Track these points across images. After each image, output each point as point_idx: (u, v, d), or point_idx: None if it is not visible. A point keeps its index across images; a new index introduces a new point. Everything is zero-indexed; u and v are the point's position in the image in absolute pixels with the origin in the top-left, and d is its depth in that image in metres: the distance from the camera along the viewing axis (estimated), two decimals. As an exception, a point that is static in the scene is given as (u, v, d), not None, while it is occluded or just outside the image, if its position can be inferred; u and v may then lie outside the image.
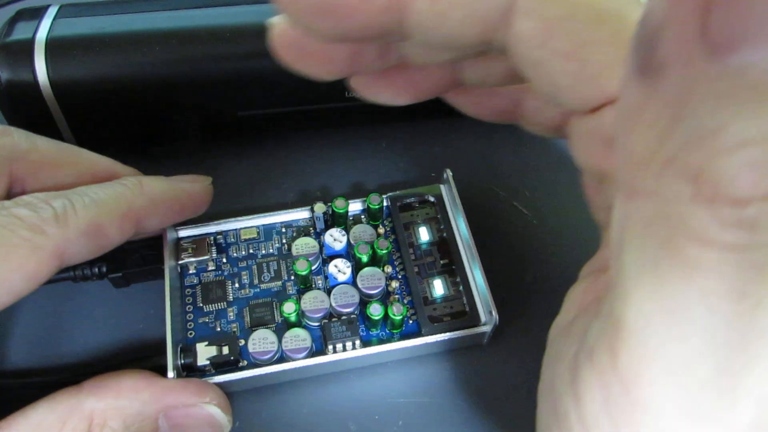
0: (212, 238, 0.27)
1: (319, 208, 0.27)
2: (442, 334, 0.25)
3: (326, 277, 0.26)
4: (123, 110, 0.28)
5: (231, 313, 0.26)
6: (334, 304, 0.25)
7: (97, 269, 0.26)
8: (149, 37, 0.26)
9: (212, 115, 0.29)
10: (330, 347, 0.24)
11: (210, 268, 0.27)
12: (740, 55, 0.10)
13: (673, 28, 0.11)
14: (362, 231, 0.27)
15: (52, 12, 0.27)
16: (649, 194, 0.12)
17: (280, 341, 0.24)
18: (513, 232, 0.29)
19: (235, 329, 0.25)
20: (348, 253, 0.27)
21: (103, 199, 0.22)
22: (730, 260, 0.12)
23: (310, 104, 0.29)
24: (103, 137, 0.29)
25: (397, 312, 0.24)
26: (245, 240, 0.27)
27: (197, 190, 0.26)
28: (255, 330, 0.25)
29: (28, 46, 0.26)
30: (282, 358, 0.24)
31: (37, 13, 0.27)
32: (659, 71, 0.12)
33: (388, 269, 0.26)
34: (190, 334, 0.25)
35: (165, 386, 0.22)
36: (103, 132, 0.29)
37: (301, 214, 0.28)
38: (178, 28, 0.27)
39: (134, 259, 0.26)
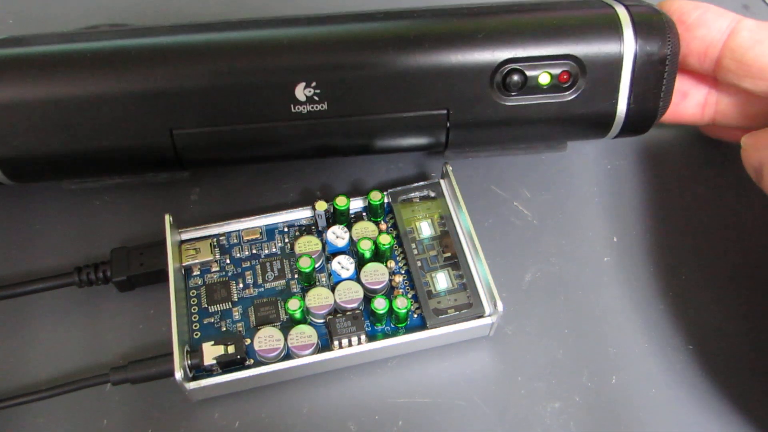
0: (215, 239, 0.27)
1: (321, 206, 0.27)
2: (448, 327, 0.25)
3: (330, 274, 0.26)
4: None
5: (236, 313, 0.26)
6: (338, 300, 0.25)
7: (102, 273, 0.26)
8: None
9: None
10: (336, 343, 0.24)
11: (214, 270, 0.27)
12: None
13: None
14: (364, 227, 0.27)
15: None
16: None
17: (285, 338, 0.24)
18: (513, 232, 0.29)
19: (240, 329, 0.25)
20: (350, 250, 0.27)
21: None
22: None
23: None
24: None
25: (401, 306, 0.24)
26: (248, 240, 0.27)
27: None
28: (260, 328, 0.25)
29: None
30: (288, 356, 0.24)
31: None
32: None
33: (391, 264, 0.27)
34: (196, 335, 0.25)
35: None
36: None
37: (302, 213, 0.28)
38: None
39: (138, 263, 0.26)
